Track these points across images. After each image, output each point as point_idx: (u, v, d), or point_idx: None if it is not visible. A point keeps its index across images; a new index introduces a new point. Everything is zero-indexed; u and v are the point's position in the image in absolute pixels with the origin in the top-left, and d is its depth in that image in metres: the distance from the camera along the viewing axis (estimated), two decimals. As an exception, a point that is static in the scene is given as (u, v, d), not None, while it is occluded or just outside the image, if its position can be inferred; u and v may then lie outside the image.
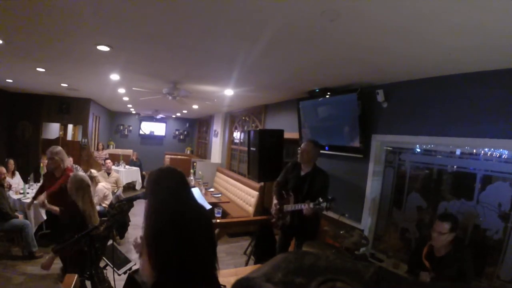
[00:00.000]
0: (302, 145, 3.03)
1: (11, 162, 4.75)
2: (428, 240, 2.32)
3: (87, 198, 2.53)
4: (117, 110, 11.23)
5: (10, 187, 4.31)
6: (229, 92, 4.72)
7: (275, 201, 3.10)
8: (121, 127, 12.08)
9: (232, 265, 3.87)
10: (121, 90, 5.54)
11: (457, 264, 2.12)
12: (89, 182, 2.62)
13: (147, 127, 12.46)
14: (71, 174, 2.77)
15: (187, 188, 1.45)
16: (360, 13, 1.66)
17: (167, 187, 1.38)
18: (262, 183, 4.84)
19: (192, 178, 6.33)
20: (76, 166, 5.44)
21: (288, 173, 3.16)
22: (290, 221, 2.99)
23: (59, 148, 3.20)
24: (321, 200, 2.62)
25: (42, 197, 3.05)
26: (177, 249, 1.29)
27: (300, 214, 2.81)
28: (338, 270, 0.47)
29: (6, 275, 3.17)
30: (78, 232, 1.91)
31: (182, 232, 1.32)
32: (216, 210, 4.12)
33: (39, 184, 4.73)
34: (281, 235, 3.16)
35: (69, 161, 3.26)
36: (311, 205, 2.65)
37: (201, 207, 1.48)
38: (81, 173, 2.59)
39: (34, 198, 3.39)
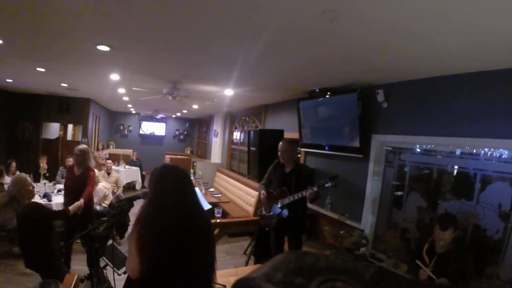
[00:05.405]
0: (280, 147, 3.17)
1: (13, 165, 4.76)
2: (429, 236, 2.33)
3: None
4: (117, 110, 11.23)
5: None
6: (229, 92, 4.72)
7: (263, 191, 3.19)
8: (121, 127, 12.08)
9: (232, 265, 3.87)
10: (121, 90, 5.54)
11: (458, 263, 2.13)
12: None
13: (147, 127, 12.46)
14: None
15: (190, 188, 1.43)
16: (360, 13, 1.66)
17: (170, 187, 1.36)
18: (262, 183, 4.83)
19: (192, 178, 6.33)
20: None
21: (271, 174, 3.28)
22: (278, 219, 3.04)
23: (86, 147, 3.33)
24: (322, 182, 2.73)
25: (79, 203, 3.12)
26: (172, 249, 1.26)
27: (293, 208, 2.91)
28: (338, 270, 0.47)
29: (6, 274, 3.16)
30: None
31: (181, 233, 1.30)
32: (216, 210, 4.12)
33: (38, 184, 4.74)
34: (273, 234, 3.20)
35: (93, 163, 3.32)
36: (314, 188, 2.73)
37: (202, 208, 1.47)
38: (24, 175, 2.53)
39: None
